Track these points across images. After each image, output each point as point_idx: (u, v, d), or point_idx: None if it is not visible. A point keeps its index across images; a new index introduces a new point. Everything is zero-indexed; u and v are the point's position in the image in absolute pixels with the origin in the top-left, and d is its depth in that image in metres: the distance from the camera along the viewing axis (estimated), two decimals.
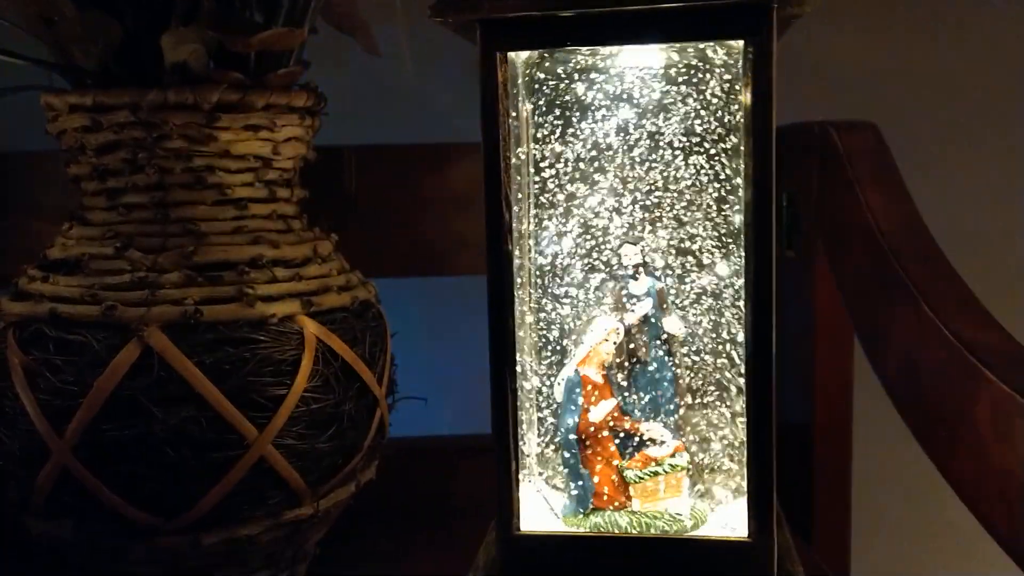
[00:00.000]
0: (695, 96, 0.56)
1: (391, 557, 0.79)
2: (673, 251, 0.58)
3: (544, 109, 0.57)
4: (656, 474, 0.56)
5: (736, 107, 0.54)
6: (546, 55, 0.56)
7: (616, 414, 0.58)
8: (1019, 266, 1.10)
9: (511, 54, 0.53)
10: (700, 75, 0.56)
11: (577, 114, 0.57)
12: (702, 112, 0.56)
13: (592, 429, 0.57)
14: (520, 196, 0.57)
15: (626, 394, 0.58)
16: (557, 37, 0.51)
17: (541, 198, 0.58)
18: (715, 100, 0.56)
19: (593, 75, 0.56)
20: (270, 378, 0.61)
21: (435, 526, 0.83)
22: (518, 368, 0.55)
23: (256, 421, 0.60)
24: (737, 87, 0.53)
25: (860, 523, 0.84)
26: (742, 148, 0.51)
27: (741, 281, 0.53)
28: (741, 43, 0.50)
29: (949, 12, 1.08)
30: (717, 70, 0.55)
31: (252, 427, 0.60)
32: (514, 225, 0.54)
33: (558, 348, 0.59)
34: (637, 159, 0.57)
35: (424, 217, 0.89)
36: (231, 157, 0.63)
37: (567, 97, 0.57)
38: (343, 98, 0.79)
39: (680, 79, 0.56)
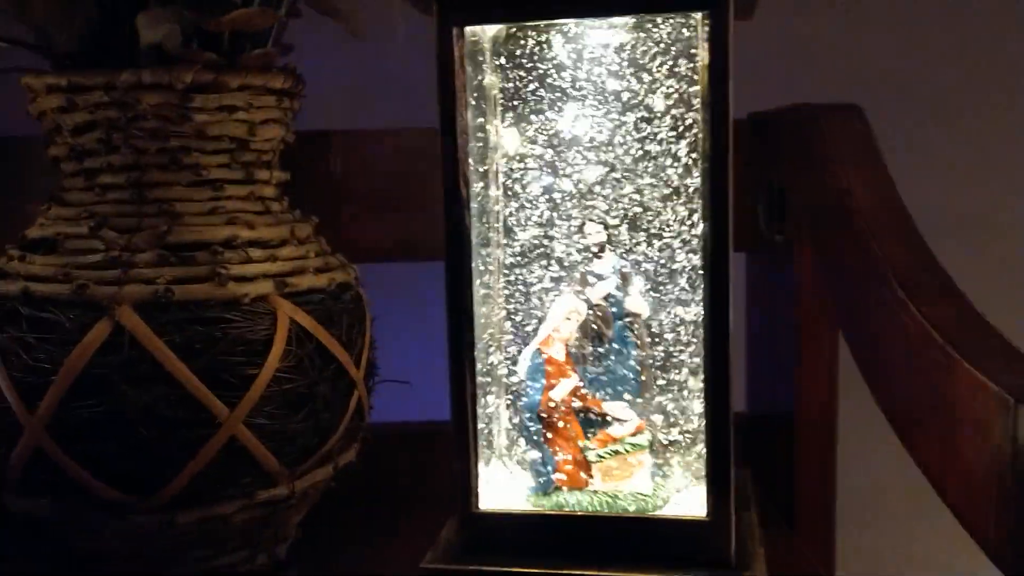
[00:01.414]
0: (659, 73, 0.55)
1: (374, 540, 0.79)
2: (636, 230, 0.57)
3: (511, 89, 0.57)
4: (617, 453, 0.56)
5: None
6: (513, 32, 0.55)
7: (578, 393, 0.57)
8: (1002, 250, 1.09)
9: (476, 29, 0.53)
10: (666, 51, 0.55)
11: (543, 93, 0.56)
12: (668, 89, 0.55)
13: (554, 408, 0.57)
14: (487, 178, 0.56)
15: (588, 373, 0.58)
16: (514, 11, 0.51)
17: (507, 179, 0.58)
18: (681, 77, 0.55)
19: (560, 53, 0.56)
20: (242, 358, 0.61)
21: (420, 509, 0.82)
22: (481, 347, 0.55)
23: (227, 400, 0.60)
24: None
25: (845, 510, 0.83)
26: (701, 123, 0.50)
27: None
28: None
29: None
30: (683, 46, 0.55)
31: (223, 406, 0.60)
32: (482, 205, 0.54)
33: (522, 327, 0.59)
34: (603, 140, 0.57)
35: (410, 201, 0.89)
36: (206, 138, 0.63)
37: (535, 77, 0.56)
38: (332, 82, 0.79)
39: (647, 56, 0.56)
